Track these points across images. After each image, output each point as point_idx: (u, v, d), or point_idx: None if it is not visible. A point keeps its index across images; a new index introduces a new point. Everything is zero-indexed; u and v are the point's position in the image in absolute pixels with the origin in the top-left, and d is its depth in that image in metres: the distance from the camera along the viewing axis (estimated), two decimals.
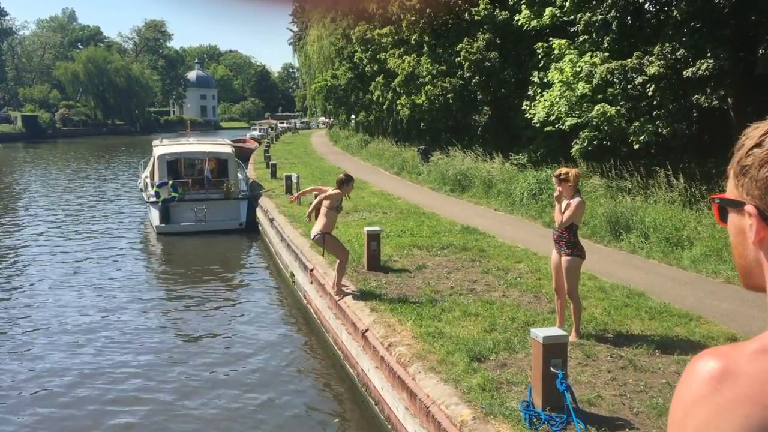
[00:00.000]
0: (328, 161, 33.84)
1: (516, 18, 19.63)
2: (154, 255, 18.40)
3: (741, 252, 1.12)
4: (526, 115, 18.20)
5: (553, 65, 16.87)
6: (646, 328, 7.75)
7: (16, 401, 8.50)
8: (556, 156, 18.09)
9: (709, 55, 13.04)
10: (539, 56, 18.04)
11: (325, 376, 9.36)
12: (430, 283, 9.95)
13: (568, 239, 7.30)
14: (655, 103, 14.49)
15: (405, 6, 25.74)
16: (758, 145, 1.08)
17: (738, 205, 1.10)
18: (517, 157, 20.39)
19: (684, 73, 13.46)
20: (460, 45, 23.03)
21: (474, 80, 22.99)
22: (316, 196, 9.91)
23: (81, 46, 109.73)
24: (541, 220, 15.09)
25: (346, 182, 9.69)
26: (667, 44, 13.88)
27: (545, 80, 17.48)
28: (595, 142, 15.61)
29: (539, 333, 5.62)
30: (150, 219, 20.74)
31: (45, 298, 13.11)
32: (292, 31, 65.03)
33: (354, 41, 36.27)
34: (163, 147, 22.15)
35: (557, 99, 16.16)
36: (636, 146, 14.64)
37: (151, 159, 22.12)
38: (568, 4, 16.12)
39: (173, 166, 21.26)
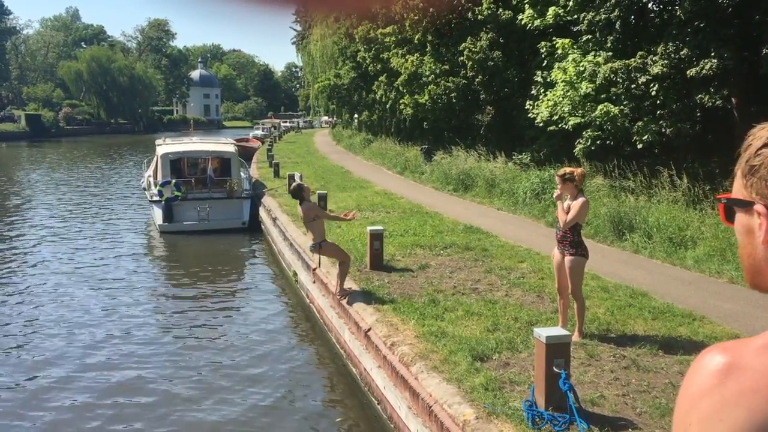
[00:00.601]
0: (331, 160, 33.85)
1: (519, 17, 19.61)
2: (157, 254, 18.42)
3: (749, 252, 1.12)
4: (529, 115, 18.18)
5: (556, 65, 16.86)
6: (649, 328, 7.74)
7: (18, 400, 8.51)
8: (559, 156, 18.07)
9: (712, 54, 13.01)
10: (542, 56, 18.02)
11: (328, 376, 9.36)
12: (432, 282, 9.95)
13: (572, 239, 7.30)
14: (658, 102, 14.47)
15: (408, 5, 25.72)
16: (767, 145, 1.08)
17: (747, 205, 1.11)
18: (520, 156, 20.37)
19: (687, 72, 13.44)
20: (463, 44, 23.02)
21: (477, 80, 22.97)
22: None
23: (84, 45, 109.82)
24: (544, 219, 15.08)
25: (299, 191, 9.83)
26: (670, 44, 13.85)
27: (548, 80, 17.46)
28: (598, 142, 15.59)
29: (542, 333, 5.62)
30: (153, 218, 20.77)
31: (47, 297, 13.12)
32: (295, 30, 65.08)
33: (357, 40, 36.26)
34: (167, 146, 22.18)
35: (560, 98, 16.15)
36: (639, 146, 14.62)
37: (155, 158, 22.14)
38: (571, 3, 16.09)
39: (176, 165, 21.29)
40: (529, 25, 18.66)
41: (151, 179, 21.61)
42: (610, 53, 15.33)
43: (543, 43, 17.98)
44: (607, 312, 8.29)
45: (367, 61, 35.60)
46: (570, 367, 5.73)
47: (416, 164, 26.44)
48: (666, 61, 13.82)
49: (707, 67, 12.97)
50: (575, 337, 7.06)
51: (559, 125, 16.47)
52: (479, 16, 22.67)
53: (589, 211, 7.97)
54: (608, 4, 14.90)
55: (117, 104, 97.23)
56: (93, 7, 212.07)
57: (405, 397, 6.81)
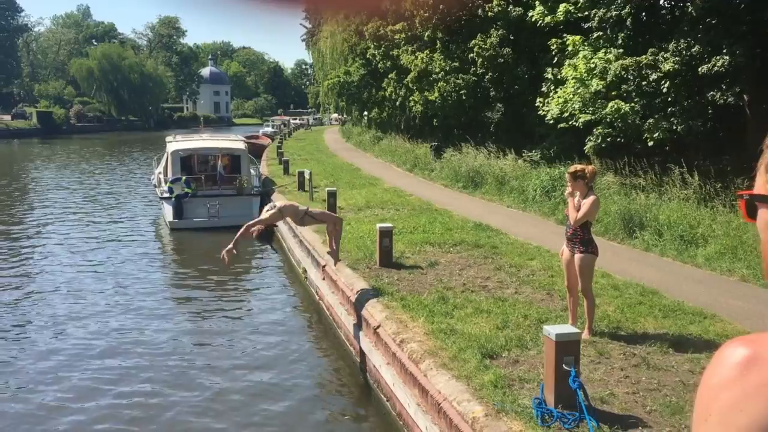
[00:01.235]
0: (340, 158, 33.86)
1: (530, 14, 19.54)
2: (167, 250, 18.51)
3: None
4: (540, 112, 18.13)
5: (566, 62, 16.80)
6: (659, 326, 7.71)
7: (27, 397, 8.58)
8: (570, 153, 18.01)
9: (724, 51, 12.93)
10: (553, 53, 17.95)
11: (337, 372, 9.38)
12: (442, 279, 9.94)
13: (582, 236, 7.28)
14: (669, 99, 14.40)
15: (418, 2, 25.68)
16: None
17: None
18: (530, 154, 20.32)
19: (699, 69, 13.36)
20: (473, 41, 22.96)
21: (487, 77, 22.92)
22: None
23: (95, 43, 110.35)
24: (554, 217, 15.03)
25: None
26: (682, 40, 13.78)
27: (559, 77, 17.41)
28: (609, 139, 15.53)
29: (552, 330, 5.61)
30: (163, 214, 20.86)
31: (57, 292, 13.21)
32: (305, 27, 65.01)
33: (367, 38, 36.22)
34: (177, 143, 22.25)
35: (571, 95, 16.09)
36: (650, 143, 14.55)
37: (165, 155, 22.21)
38: (582, 0, 16.03)
39: (186, 162, 21.36)
40: (540, 21, 18.58)
41: (162, 176, 21.69)
42: (621, 50, 15.26)
43: (553, 39, 17.91)
44: (617, 310, 8.26)
45: (377, 58, 35.57)
46: (579, 364, 5.72)
47: (426, 161, 26.41)
48: (677, 58, 13.74)
49: (719, 64, 12.89)
50: (585, 335, 7.04)
51: (570, 122, 16.41)
52: (489, 13, 22.60)
53: (599, 209, 7.94)
54: (619, 1, 14.83)
55: (128, 101, 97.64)
56: (104, 4, 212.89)
57: (414, 394, 6.81)
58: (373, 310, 8.73)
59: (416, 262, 11.04)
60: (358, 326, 9.13)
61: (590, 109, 15.68)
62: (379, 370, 8.09)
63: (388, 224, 11.53)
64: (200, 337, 10.87)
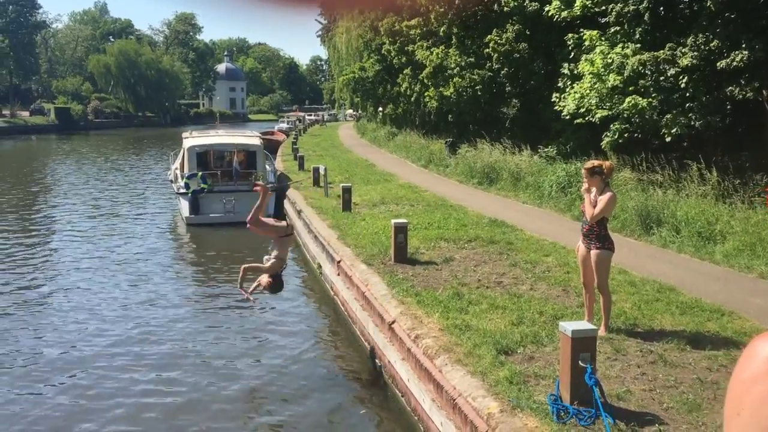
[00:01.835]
0: (355, 153, 33.88)
1: (546, 9, 19.41)
2: (183, 245, 18.63)
3: None
4: (556, 108, 18.02)
5: (583, 56, 16.68)
6: (676, 323, 7.65)
7: (42, 389, 8.67)
8: (586, 149, 17.89)
9: (743, 46, 12.79)
10: (569, 47, 17.84)
11: (352, 368, 9.39)
12: (457, 275, 9.92)
13: (599, 233, 7.23)
14: (687, 95, 14.26)
15: None
16: None
17: None
18: (546, 149, 20.21)
19: (718, 64, 13.22)
20: (489, 36, 22.87)
21: (503, 72, 22.82)
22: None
23: (112, 39, 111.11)
24: (570, 213, 14.95)
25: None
26: (700, 35, 13.64)
27: (575, 72, 17.29)
28: (626, 135, 15.41)
29: (568, 326, 5.57)
30: (180, 210, 21.00)
31: (74, 286, 13.33)
32: (320, 23, 65.08)
33: (382, 33, 36.20)
34: (193, 139, 22.38)
35: (588, 91, 15.98)
36: (668, 139, 14.42)
37: (181, 151, 22.36)
38: None
39: (203, 157, 21.48)
40: (556, 16, 18.46)
41: (178, 172, 21.83)
42: (638, 45, 15.13)
43: (570, 34, 17.79)
44: (633, 306, 8.20)
45: (392, 54, 35.53)
46: (596, 361, 5.69)
47: (441, 157, 26.36)
48: (696, 53, 13.61)
49: (738, 58, 12.75)
50: (601, 332, 7.00)
51: (586, 118, 16.30)
52: (505, 8, 22.49)
53: (616, 205, 7.88)
54: None
55: (144, 97, 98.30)
56: (121, 1, 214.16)
57: (429, 390, 6.81)
58: (388, 306, 8.73)
59: (431, 258, 11.02)
60: (372, 322, 9.14)
61: (607, 104, 15.57)
62: (394, 365, 8.10)
63: (403, 220, 11.53)
64: (213, 331, 10.92)
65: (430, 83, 27.89)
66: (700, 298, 8.59)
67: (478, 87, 24.18)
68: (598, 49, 16.04)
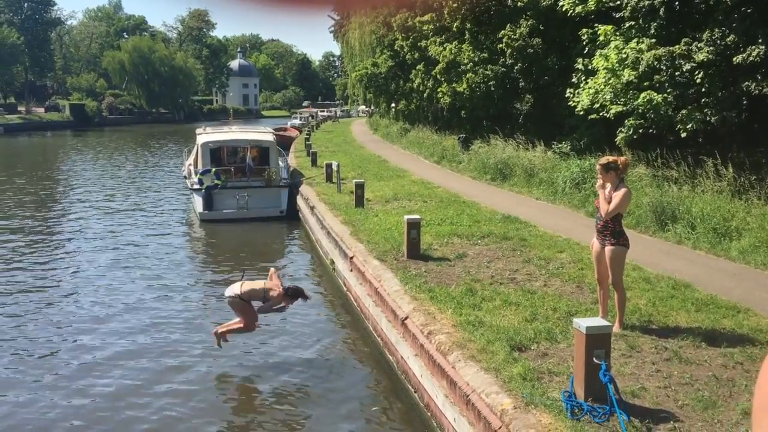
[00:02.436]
0: (368, 149, 33.87)
1: (560, 4, 19.27)
2: (197, 241, 18.72)
3: None
4: (570, 103, 17.91)
5: (598, 52, 16.55)
6: (692, 319, 7.60)
7: (55, 386, 8.74)
8: (600, 144, 17.79)
9: (760, 40, 12.64)
10: (584, 43, 17.71)
11: (364, 364, 9.40)
12: (470, 271, 9.90)
13: (613, 229, 7.20)
14: (703, 90, 14.12)
15: None
16: None
17: None
18: (559, 145, 20.10)
19: (734, 59, 13.09)
20: (502, 32, 22.76)
21: (516, 67, 22.71)
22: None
23: (126, 36, 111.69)
24: (584, 209, 14.88)
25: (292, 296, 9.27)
26: (716, 30, 13.50)
27: (590, 67, 17.16)
28: (640, 131, 15.29)
29: (582, 323, 5.55)
30: (193, 206, 21.11)
31: (89, 282, 13.43)
32: (333, 18, 65.01)
33: (395, 29, 36.12)
34: (207, 135, 22.48)
35: (602, 86, 15.86)
36: (683, 135, 14.30)
37: (195, 147, 22.47)
38: None
39: (216, 153, 21.58)
40: (570, 11, 18.31)
41: (192, 168, 21.93)
42: (653, 40, 15.00)
43: (584, 29, 17.65)
44: (648, 303, 8.16)
45: (405, 50, 35.46)
46: (610, 358, 5.66)
47: (454, 153, 26.30)
48: (711, 48, 13.48)
49: (754, 53, 12.62)
50: (616, 329, 6.96)
51: (601, 113, 16.19)
52: (519, 3, 22.37)
53: (630, 201, 7.84)
54: None
55: (158, 94, 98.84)
56: None
57: (442, 386, 6.81)
58: (401, 302, 8.73)
59: (444, 254, 11.01)
60: (385, 318, 9.14)
61: (622, 99, 15.45)
62: (407, 361, 8.10)
63: (416, 216, 11.51)
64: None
65: (443, 79, 27.81)
66: (715, 294, 8.53)
67: (491, 82, 24.08)
68: (612, 45, 15.92)
